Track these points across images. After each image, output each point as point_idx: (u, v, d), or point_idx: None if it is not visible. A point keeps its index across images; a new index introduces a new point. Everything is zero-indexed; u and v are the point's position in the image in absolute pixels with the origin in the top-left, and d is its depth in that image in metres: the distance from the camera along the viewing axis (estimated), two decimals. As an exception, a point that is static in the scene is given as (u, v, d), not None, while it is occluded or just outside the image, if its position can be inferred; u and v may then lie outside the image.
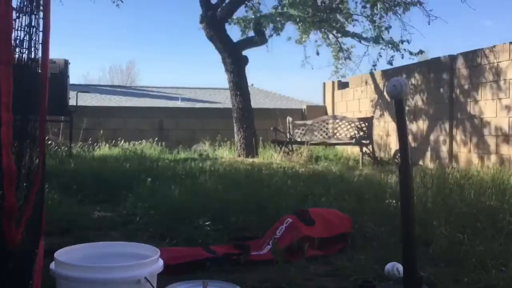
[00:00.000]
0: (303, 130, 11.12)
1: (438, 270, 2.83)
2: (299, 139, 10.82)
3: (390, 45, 10.90)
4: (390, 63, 11.01)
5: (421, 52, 10.80)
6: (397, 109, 2.38)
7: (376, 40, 10.97)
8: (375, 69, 11.36)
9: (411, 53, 10.85)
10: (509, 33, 37.41)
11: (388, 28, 11.04)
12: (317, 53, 12.32)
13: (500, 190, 5.17)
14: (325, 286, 2.70)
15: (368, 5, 11.01)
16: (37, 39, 2.00)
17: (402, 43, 10.86)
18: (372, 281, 2.59)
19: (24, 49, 1.74)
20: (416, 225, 2.45)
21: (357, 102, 12.35)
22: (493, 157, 8.08)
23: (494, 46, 8.13)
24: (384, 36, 11.00)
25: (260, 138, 11.35)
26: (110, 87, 20.83)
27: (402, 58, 11.00)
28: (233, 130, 11.17)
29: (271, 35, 11.55)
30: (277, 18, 10.97)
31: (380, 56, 11.17)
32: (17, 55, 1.74)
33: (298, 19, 11.12)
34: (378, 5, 10.73)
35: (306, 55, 12.74)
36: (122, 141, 11.76)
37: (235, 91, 11.00)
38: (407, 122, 10.05)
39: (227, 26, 11.33)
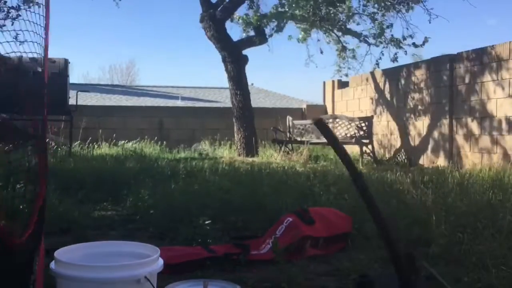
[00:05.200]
0: (303, 129, 11.12)
1: (438, 269, 2.83)
2: (299, 139, 10.82)
3: (392, 43, 10.90)
4: (394, 60, 11.02)
5: (426, 40, 10.74)
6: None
7: (378, 37, 10.96)
8: (378, 67, 11.31)
9: (415, 46, 10.84)
10: (513, 32, 37.42)
11: (389, 26, 11.04)
12: (321, 52, 12.33)
13: (500, 189, 5.17)
14: (325, 286, 2.70)
15: (370, 3, 11.00)
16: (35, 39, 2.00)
17: (405, 39, 10.86)
18: (368, 275, 2.57)
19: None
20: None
21: (357, 101, 12.35)
22: (494, 156, 8.08)
23: (495, 45, 8.13)
24: (386, 34, 11.01)
25: (260, 138, 11.35)
26: (110, 87, 20.81)
27: (406, 54, 11.03)
28: (233, 130, 11.17)
29: (271, 35, 11.55)
30: (278, 18, 10.96)
31: (383, 54, 11.16)
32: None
33: (298, 18, 11.12)
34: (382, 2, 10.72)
35: (310, 53, 12.81)
36: (122, 141, 11.77)
37: (235, 90, 11.00)
38: (408, 121, 10.09)
39: (227, 25, 11.34)
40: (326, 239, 3.37)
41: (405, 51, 10.94)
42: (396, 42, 10.87)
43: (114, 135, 12.03)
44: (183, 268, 2.78)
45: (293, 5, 10.76)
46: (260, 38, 11.46)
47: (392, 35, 11.04)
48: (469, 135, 8.65)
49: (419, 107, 9.93)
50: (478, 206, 4.34)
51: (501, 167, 7.45)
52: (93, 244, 2.29)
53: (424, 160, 9.65)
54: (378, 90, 11.46)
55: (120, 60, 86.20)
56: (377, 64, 11.26)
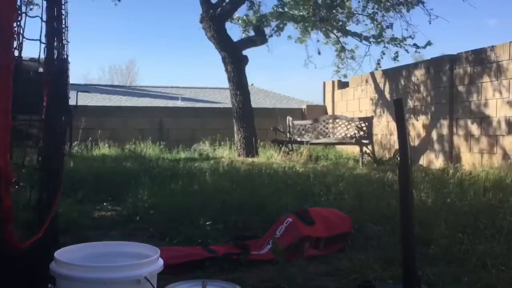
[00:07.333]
0: (303, 129, 11.12)
1: (438, 269, 2.83)
2: (299, 139, 10.81)
3: (392, 42, 10.91)
4: (395, 59, 11.03)
5: (429, 43, 10.76)
6: (397, 109, 2.38)
7: (378, 37, 10.97)
8: (379, 67, 11.32)
9: (417, 47, 10.86)
10: (513, 32, 37.50)
11: (389, 26, 11.05)
12: (319, 53, 12.34)
13: (500, 189, 5.17)
14: (325, 286, 2.70)
15: (369, 3, 11.02)
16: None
17: (405, 39, 10.87)
18: (371, 281, 2.59)
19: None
20: (415, 224, 2.45)
21: (357, 102, 12.35)
22: (493, 156, 8.08)
23: (495, 46, 8.13)
24: (386, 34, 11.02)
25: (260, 138, 11.35)
26: (110, 87, 20.80)
27: (408, 52, 11.09)
28: (233, 130, 11.17)
29: (271, 35, 11.57)
30: (278, 18, 10.97)
31: (383, 54, 11.16)
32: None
33: (298, 19, 11.12)
34: (381, 2, 10.73)
35: (309, 54, 12.79)
36: (122, 141, 11.77)
37: (235, 90, 11.00)
38: (408, 121, 10.09)
39: (227, 26, 11.35)
40: (326, 240, 3.37)
41: (407, 50, 10.97)
42: (397, 41, 10.88)
43: (113, 135, 12.03)
44: (183, 268, 2.77)
45: (293, 6, 10.77)
46: (260, 38, 11.47)
47: (393, 34, 11.07)
48: (468, 136, 8.65)
49: (419, 107, 9.93)
50: (478, 206, 4.35)
51: (501, 167, 7.46)
52: (93, 244, 2.28)
53: (424, 161, 9.65)
54: (378, 90, 11.46)
55: (120, 60, 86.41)
56: (379, 63, 11.26)
